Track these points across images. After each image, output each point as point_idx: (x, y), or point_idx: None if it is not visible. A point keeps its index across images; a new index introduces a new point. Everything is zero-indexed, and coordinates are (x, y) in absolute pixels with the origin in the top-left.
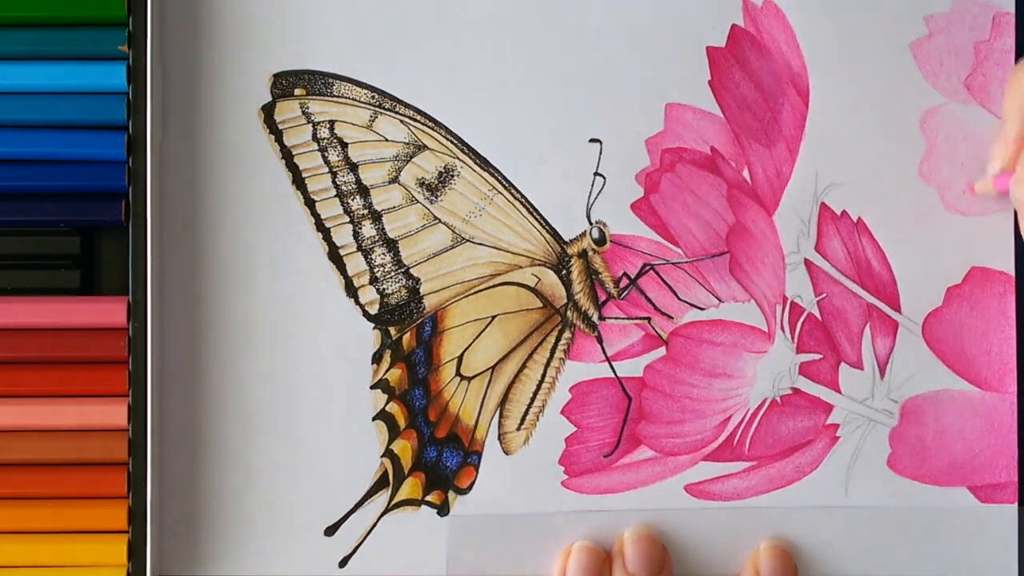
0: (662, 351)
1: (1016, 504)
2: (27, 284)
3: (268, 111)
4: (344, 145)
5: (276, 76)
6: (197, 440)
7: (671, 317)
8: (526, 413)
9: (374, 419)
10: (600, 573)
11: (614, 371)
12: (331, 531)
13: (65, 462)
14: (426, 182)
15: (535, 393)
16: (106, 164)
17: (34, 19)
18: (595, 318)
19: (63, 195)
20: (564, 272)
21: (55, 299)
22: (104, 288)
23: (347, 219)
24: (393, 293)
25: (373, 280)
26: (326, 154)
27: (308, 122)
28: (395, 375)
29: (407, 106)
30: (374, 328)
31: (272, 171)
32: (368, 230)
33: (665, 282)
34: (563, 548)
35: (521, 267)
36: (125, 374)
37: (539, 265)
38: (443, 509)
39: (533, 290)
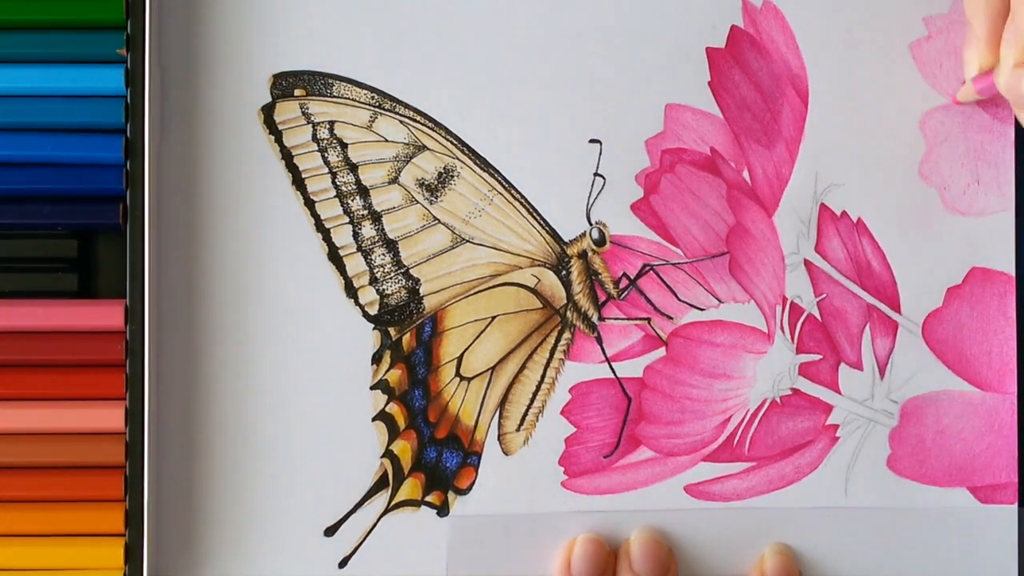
0: (662, 352)
1: (1016, 505)
2: (25, 287)
3: (268, 112)
4: (344, 146)
5: (276, 76)
6: (195, 442)
7: (671, 318)
8: (526, 414)
9: (374, 420)
10: (604, 566)
11: (614, 372)
12: (331, 531)
13: (62, 465)
14: (426, 183)
15: (535, 394)
16: (104, 167)
17: (33, 22)
18: (595, 319)
19: (61, 198)
20: (564, 273)
21: (53, 302)
22: (102, 291)
23: (347, 220)
24: (393, 294)
25: (373, 281)
26: (326, 155)
27: (308, 123)
28: (395, 376)
29: (407, 107)
30: (374, 329)
31: (271, 173)
32: (368, 231)
33: (665, 283)
34: (564, 546)
35: (521, 268)
36: (122, 377)
37: (539, 266)
38: (443, 510)
39: (533, 291)
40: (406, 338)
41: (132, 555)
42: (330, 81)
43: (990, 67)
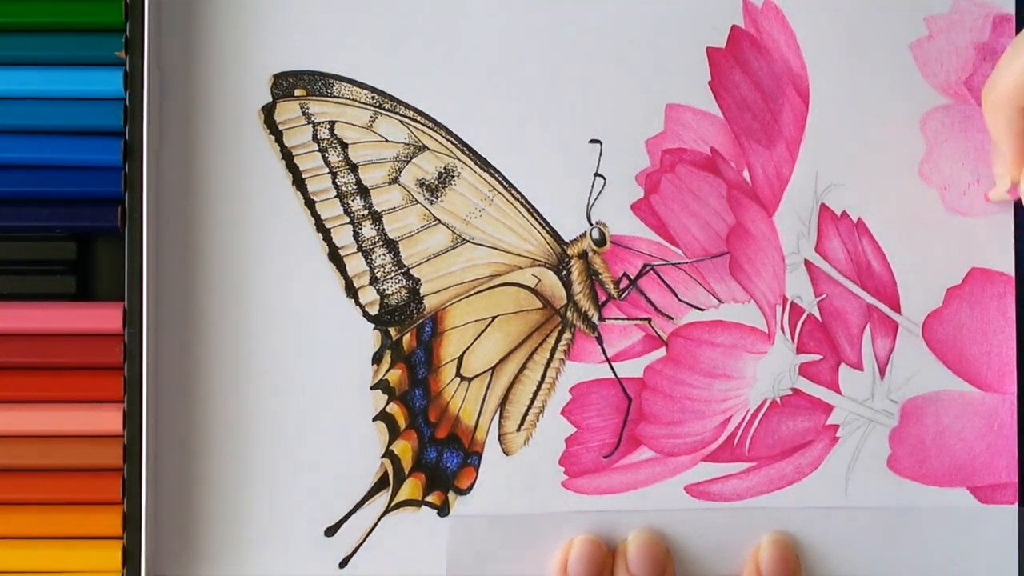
0: (662, 352)
1: (1016, 505)
2: (23, 289)
3: (268, 112)
4: (344, 146)
5: (276, 76)
6: (193, 444)
7: (671, 318)
8: (526, 414)
9: (374, 420)
10: (602, 567)
11: (614, 372)
12: (331, 531)
13: (60, 467)
14: (426, 183)
15: (535, 394)
16: (103, 170)
17: (32, 24)
18: (595, 319)
19: (60, 201)
20: (564, 273)
21: (51, 305)
22: (100, 294)
23: (347, 220)
24: (393, 294)
25: (373, 281)
26: (326, 155)
27: (308, 123)
28: (395, 376)
29: (407, 107)
30: (374, 329)
31: (270, 174)
32: (368, 231)
33: (665, 283)
34: (562, 547)
35: (521, 268)
36: (120, 380)
37: (539, 266)
38: (443, 510)
39: (533, 291)
40: (406, 338)
41: (130, 557)
42: (330, 81)
43: (1017, 180)
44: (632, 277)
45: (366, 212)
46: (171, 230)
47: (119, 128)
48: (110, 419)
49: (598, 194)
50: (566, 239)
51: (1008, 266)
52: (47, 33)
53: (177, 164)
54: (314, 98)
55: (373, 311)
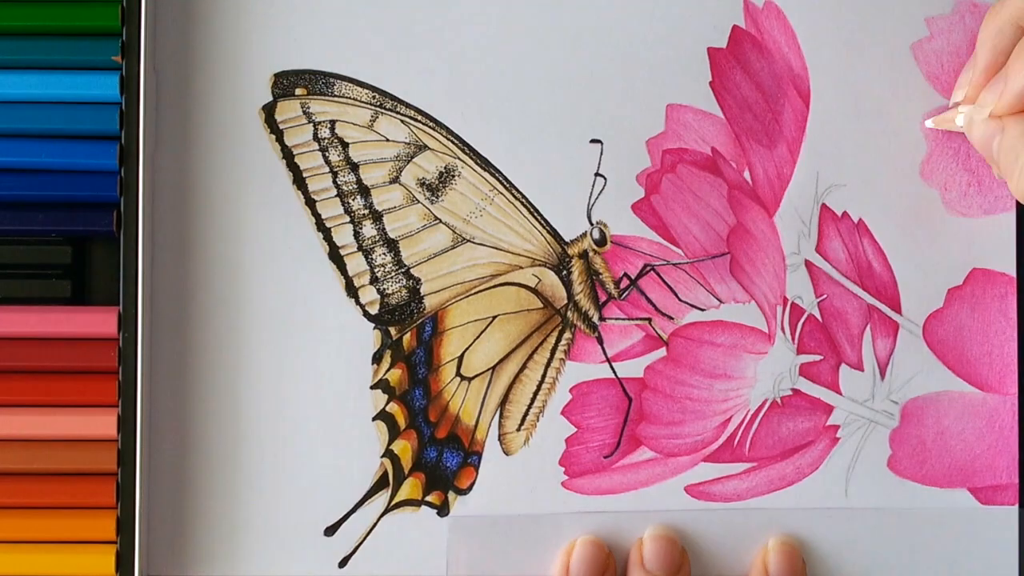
0: (662, 352)
1: (1017, 506)
2: (18, 293)
3: (269, 111)
4: (345, 145)
5: (277, 76)
6: (189, 447)
7: (672, 318)
8: (526, 413)
9: (374, 419)
10: (604, 568)
11: (614, 372)
12: (331, 531)
13: (54, 472)
14: (427, 182)
15: (535, 394)
16: (98, 174)
17: (28, 29)
18: (595, 319)
19: (55, 205)
20: (565, 273)
21: (46, 308)
22: (95, 298)
23: (348, 219)
24: (394, 293)
25: (374, 280)
26: (327, 154)
27: (309, 122)
28: (395, 375)
29: (408, 106)
30: (374, 328)
31: (271, 173)
32: (369, 230)
33: (666, 283)
34: (563, 548)
35: (522, 267)
36: (115, 384)
37: (540, 265)
38: (443, 509)
39: (534, 290)
40: (407, 338)
41: (124, 561)
42: (331, 80)
43: (972, 100)
44: (632, 277)
45: (367, 211)
46: (167, 234)
47: (115, 132)
48: (104, 423)
49: (598, 194)
50: (567, 239)
51: (1009, 267)
52: (43, 37)
53: (173, 167)
54: (315, 97)
55: (373, 310)
